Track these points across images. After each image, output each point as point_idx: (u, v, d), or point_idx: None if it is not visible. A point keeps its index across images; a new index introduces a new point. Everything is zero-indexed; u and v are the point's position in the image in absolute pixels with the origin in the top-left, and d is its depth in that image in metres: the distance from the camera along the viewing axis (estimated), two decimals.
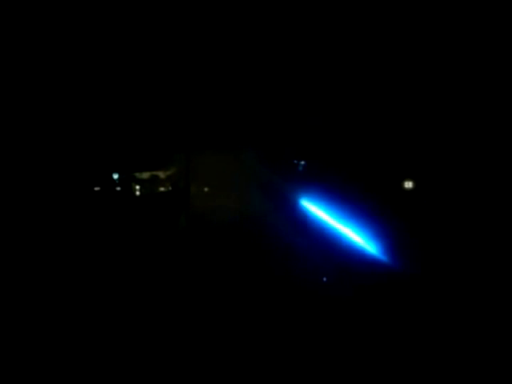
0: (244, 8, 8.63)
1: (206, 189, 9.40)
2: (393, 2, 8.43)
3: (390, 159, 8.85)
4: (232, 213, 9.10)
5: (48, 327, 6.54)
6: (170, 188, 9.42)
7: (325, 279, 8.08)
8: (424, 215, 8.38)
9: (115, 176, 9.26)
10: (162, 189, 9.45)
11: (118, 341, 6.40)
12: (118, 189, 9.22)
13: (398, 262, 8.00)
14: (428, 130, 8.62)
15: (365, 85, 8.88)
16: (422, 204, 8.52)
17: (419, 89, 8.63)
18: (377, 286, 7.60)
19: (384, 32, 8.65)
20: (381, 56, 8.73)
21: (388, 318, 6.92)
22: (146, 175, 9.48)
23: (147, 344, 6.33)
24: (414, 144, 8.70)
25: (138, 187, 9.35)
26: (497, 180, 8.04)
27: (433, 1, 8.29)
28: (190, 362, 6.03)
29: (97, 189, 9.10)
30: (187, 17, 8.68)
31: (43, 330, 6.44)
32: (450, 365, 5.84)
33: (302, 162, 9.40)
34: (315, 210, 9.01)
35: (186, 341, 6.41)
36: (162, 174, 9.50)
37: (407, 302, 7.17)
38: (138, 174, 9.44)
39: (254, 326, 6.80)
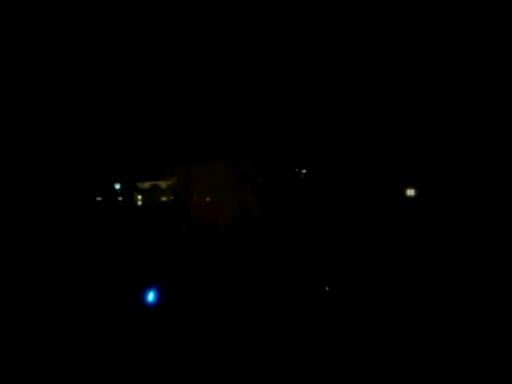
0: (241, 14, 8.65)
1: (207, 198, 9.40)
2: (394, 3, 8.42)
3: (392, 167, 8.83)
4: (234, 221, 9.09)
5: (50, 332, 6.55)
6: (172, 198, 9.42)
7: (327, 288, 8.04)
8: (426, 222, 8.36)
9: (117, 186, 9.28)
10: (163, 198, 9.45)
11: (119, 343, 6.41)
12: (120, 198, 9.24)
13: (400, 267, 7.97)
14: (430, 137, 8.60)
15: (367, 92, 8.87)
16: (424, 211, 8.50)
17: (421, 96, 8.62)
18: (380, 293, 7.58)
19: (386, 40, 8.64)
20: (382, 64, 8.72)
21: (390, 325, 6.89)
22: (147, 185, 9.48)
23: (147, 346, 6.34)
24: (417, 151, 8.68)
25: (139, 197, 9.35)
26: (499, 187, 8.02)
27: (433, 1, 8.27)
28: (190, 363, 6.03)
29: (99, 198, 9.12)
30: (181, 31, 8.72)
31: (45, 334, 6.45)
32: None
33: (304, 171, 9.39)
34: (314, 217, 8.98)
35: (184, 345, 6.41)
36: (163, 184, 9.50)
37: (411, 310, 7.14)
38: (139, 184, 9.44)
39: (254, 337, 6.77)
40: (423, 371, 5.98)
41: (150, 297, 7.72)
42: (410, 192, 8.70)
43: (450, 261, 7.81)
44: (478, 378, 5.65)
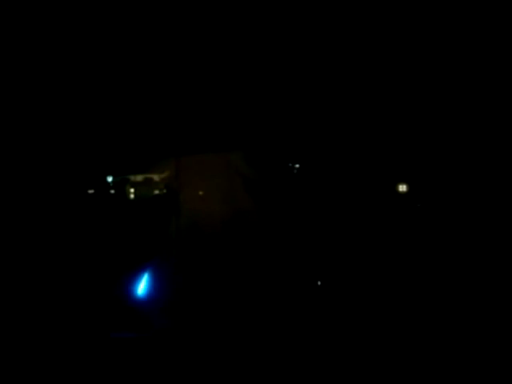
0: (234, 13, 8.64)
1: (200, 192, 9.39)
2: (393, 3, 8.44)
3: (385, 162, 8.88)
4: (224, 215, 9.08)
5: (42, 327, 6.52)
6: (165, 191, 9.41)
7: (319, 282, 8.09)
8: (418, 218, 8.42)
9: (109, 179, 9.24)
10: (156, 191, 9.43)
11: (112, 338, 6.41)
12: (112, 191, 9.21)
13: (393, 263, 8.03)
14: (423, 133, 8.65)
15: (358, 87, 8.90)
16: (416, 207, 8.56)
17: (412, 92, 8.66)
18: (372, 288, 7.64)
19: (374, 34, 8.67)
20: (374, 62, 8.76)
21: (383, 320, 6.95)
22: (140, 178, 9.46)
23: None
24: (409, 146, 8.73)
25: (132, 190, 9.33)
26: (491, 182, 8.09)
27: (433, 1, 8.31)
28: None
29: (91, 191, 9.09)
30: (174, 29, 8.69)
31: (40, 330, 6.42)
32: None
33: (297, 165, 9.40)
34: (306, 212, 9.00)
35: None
36: (156, 177, 9.48)
37: (403, 305, 7.20)
38: (132, 177, 9.42)
39: (248, 331, 6.79)
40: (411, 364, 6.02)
41: (141, 290, 7.73)
42: (402, 187, 8.76)
43: (441, 255, 7.87)
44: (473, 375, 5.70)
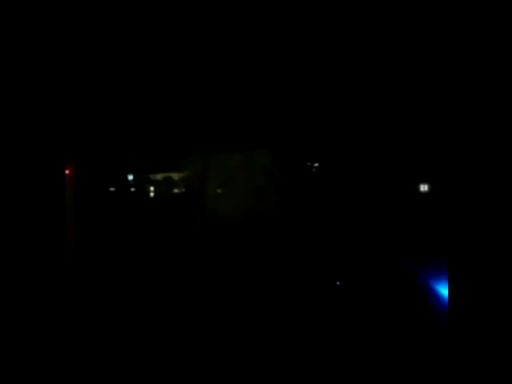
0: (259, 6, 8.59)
1: (219, 190, 9.42)
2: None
3: (406, 161, 8.74)
4: (247, 214, 9.08)
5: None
6: (184, 190, 9.47)
7: (338, 283, 8.03)
8: (441, 218, 8.25)
9: (130, 177, 9.36)
10: (175, 190, 9.52)
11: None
12: (133, 190, 9.33)
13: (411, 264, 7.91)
14: (444, 131, 8.47)
15: (381, 86, 8.77)
16: (439, 207, 8.39)
17: (434, 91, 8.49)
18: (389, 287, 7.55)
19: (401, 33, 8.53)
20: (396, 58, 8.62)
21: (399, 321, 6.85)
22: (159, 176, 9.56)
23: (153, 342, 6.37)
24: (431, 145, 8.56)
25: (151, 188, 9.44)
26: None
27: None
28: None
29: (112, 189, 9.21)
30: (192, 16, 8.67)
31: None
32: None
33: (316, 164, 9.35)
34: (329, 209, 8.93)
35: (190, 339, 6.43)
36: (175, 176, 9.57)
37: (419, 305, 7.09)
38: (152, 176, 9.52)
39: (264, 331, 6.77)
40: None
41: None
42: (424, 187, 8.60)
43: (462, 256, 7.70)
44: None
